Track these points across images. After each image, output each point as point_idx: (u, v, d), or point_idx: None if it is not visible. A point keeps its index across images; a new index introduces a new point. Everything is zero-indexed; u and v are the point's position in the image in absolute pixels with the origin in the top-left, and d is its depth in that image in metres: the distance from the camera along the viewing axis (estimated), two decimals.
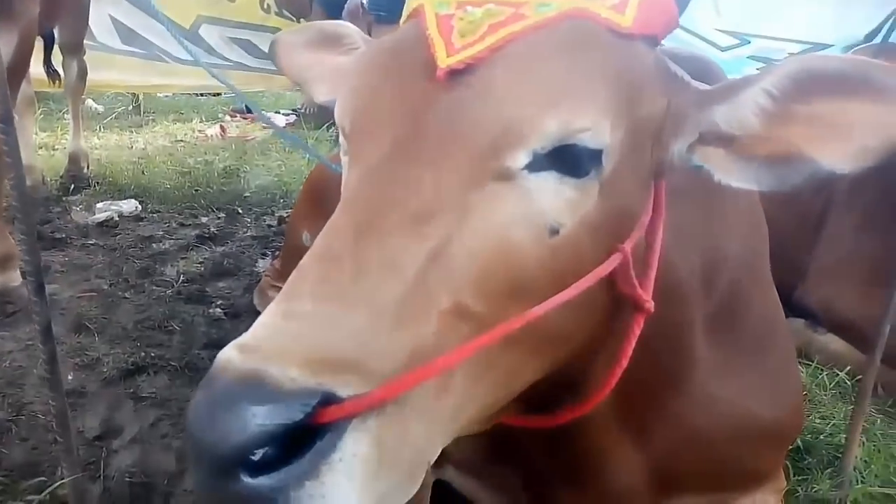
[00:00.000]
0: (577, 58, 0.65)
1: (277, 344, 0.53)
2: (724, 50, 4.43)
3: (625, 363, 0.80)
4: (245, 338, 0.54)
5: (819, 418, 1.72)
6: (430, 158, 0.63)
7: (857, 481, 1.46)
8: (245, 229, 3.12)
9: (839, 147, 0.67)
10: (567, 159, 0.64)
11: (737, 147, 0.71)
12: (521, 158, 0.63)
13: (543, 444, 0.98)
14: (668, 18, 0.74)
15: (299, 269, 0.59)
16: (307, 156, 4.29)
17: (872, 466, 1.50)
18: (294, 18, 5.00)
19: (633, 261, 0.73)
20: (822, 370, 2.00)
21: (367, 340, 0.54)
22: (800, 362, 2.08)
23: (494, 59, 0.65)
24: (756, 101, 0.70)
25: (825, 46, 4.05)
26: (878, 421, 1.76)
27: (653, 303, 0.77)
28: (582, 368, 0.81)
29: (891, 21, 3.64)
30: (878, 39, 3.72)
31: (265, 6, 4.84)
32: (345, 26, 0.98)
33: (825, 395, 1.86)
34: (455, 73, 0.65)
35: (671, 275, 0.90)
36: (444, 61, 0.66)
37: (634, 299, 0.75)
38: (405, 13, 0.78)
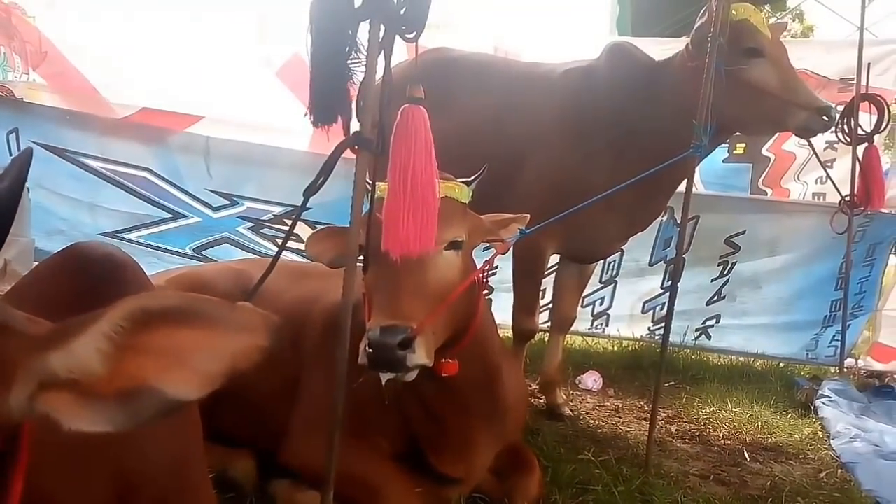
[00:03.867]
0: None
1: None
2: (216, 209, 4.65)
3: None
4: None
5: None
6: None
7: None
8: None
9: (184, 375, 0.70)
10: None
11: (82, 390, 0.67)
12: None
13: None
14: None
15: None
16: None
17: None
18: None
19: None
20: None
21: None
22: None
23: None
24: (94, 345, 0.68)
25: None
26: None
27: None
28: None
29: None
30: None
31: None
32: None
33: None
34: None
35: None
36: None
37: None
38: None
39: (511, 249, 3.31)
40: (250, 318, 0.72)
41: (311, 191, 1.56)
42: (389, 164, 1.63)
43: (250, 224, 4.67)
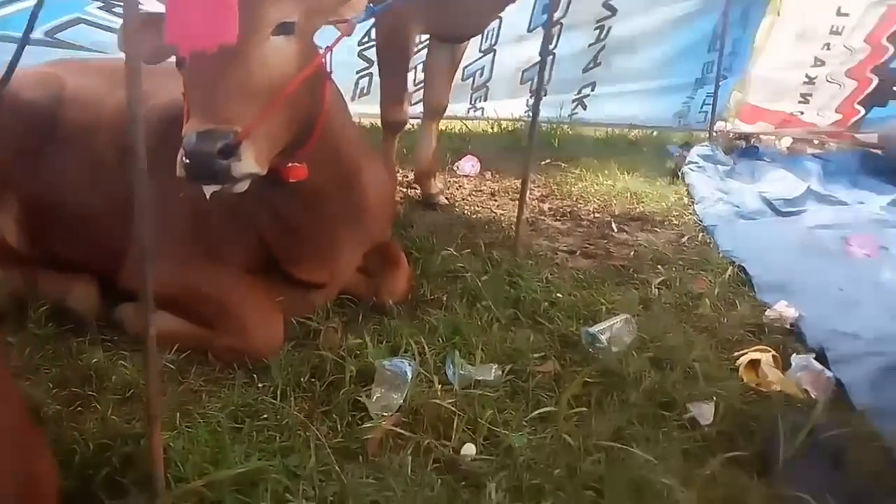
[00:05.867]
0: None
1: None
2: None
3: None
4: None
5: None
6: None
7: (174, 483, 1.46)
8: None
9: None
10: None
11: None
12: None
13: None
14: None
15: None
16: None
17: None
18: None
19: None
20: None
21: None
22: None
23: None
24: None
25: None
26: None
27: None
28: None
29: None
30: None
31: None
32: None
33: None
34: None
35: None
36: None
37: None
38: None
39: (374, 33, 2.99)
40: None
41: None
42: None
43: (100, 3, 4.02)
